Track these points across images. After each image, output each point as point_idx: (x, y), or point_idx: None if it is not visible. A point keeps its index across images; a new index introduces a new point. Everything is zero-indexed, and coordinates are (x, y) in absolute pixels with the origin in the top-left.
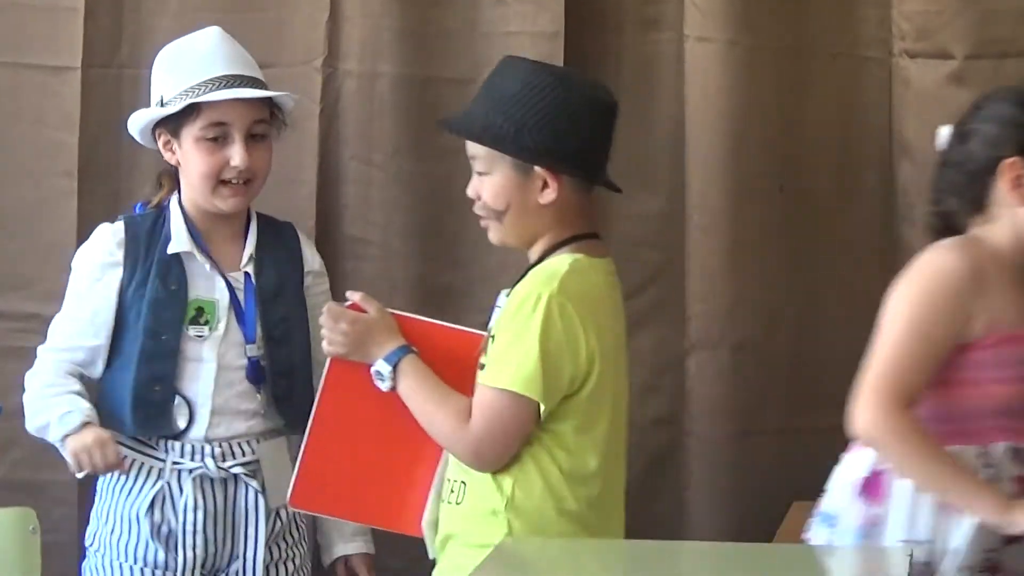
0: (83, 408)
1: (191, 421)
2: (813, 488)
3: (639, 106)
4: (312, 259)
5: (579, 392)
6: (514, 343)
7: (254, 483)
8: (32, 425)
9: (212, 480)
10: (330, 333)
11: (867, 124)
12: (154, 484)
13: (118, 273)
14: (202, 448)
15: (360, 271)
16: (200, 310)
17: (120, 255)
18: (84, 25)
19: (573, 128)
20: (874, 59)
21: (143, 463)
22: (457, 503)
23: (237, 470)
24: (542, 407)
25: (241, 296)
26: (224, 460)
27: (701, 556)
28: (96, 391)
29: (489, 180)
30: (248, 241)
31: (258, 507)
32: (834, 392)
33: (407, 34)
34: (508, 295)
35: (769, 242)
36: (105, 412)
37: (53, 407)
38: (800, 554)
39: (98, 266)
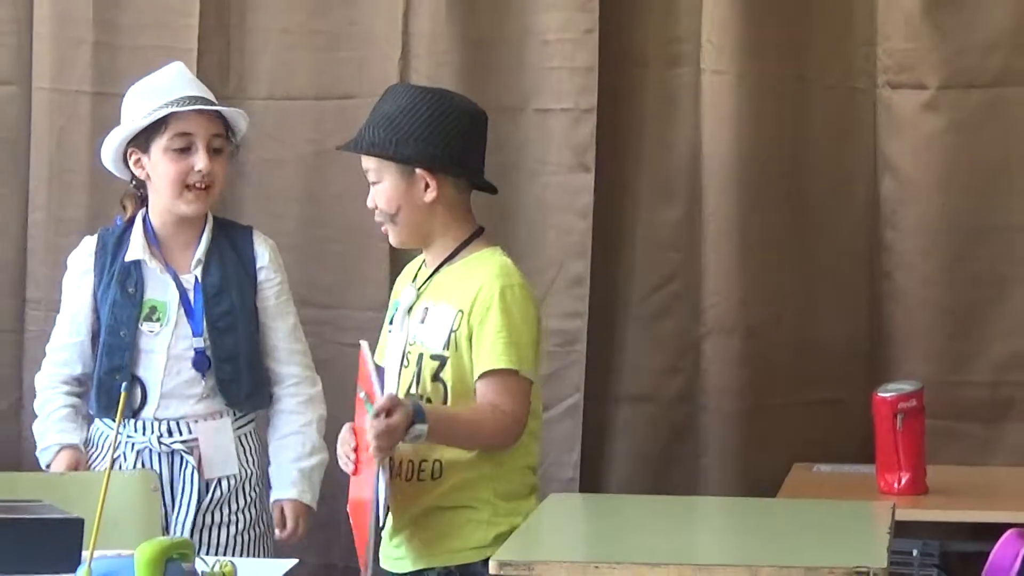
0: (56, 438)
1: (143, 403)
2: (810, 452)
3: (663, 130)
4: (263, 257)
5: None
6: (504, 331)
7: (191, 458)
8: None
9: (156, 454)
10: (377, 442)
11: (856, 144)
12: (110, 454)
13: (90, 279)
14: (151, 426)
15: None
16: (153, 309)
17: (91, 263)
18: (198, 63)
19: (446, 135)
20: (861, 89)
21: (107, 435)
22: (435, 479)
23: (177, 446)
24: (533, 383)
25: (191, 295)
26: (168, 437)
27: (715, 507)
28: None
29: (380, 187)
30: (199, 246)
31: (193, 479)
32: (828, 371)
33: (465, 70)
34: (418, 288)
35: (773, 244)
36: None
37: (40, 433)
38: (798, 507)
39: (76, 274)
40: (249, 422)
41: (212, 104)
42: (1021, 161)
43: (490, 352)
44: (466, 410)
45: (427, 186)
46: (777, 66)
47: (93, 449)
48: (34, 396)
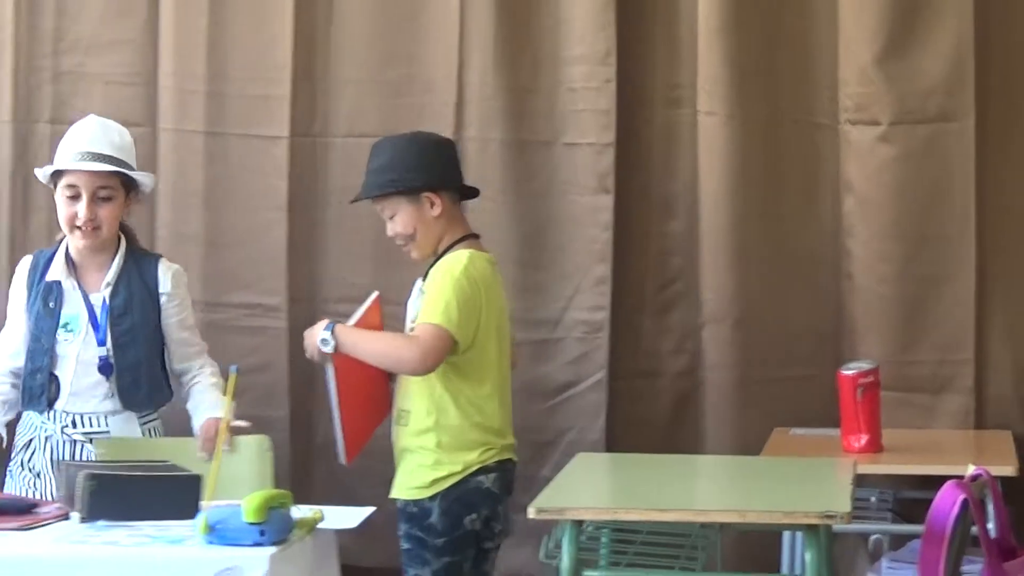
0: None
1: (56, 397)
2: (788, 418)
3: (667, 159)
4: (165, 284)
5: (473, 342)
6: (439, 299)
7: (90, 446)
8: None
9: (60, 441)
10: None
11: (822, 170)
12: (30, 438)
13: (24, 293)
14: (60, 416)
15: None
16: (67, 322)
17: (25, 280)
18: (291, 107)
19: (432, 161)
20: (826, 125)
21: (30, 423)
22: (405, 425)
23: (77, 437)
24: (459, 342)
25: (98, 312)
26: (72, 428)
27: (711, 464)
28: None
29: (397, 219)
30: (110, 270)
31: None
32: (802, 352)
33: (507, 113)
34: (423, 280)
35: (756, 251)
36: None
37: None
38: (778, 463)
39: (18, 286)
40: (155, 419)
41: (105, 160)
42: (955, 182)
43: (422, 312)
44: (382, 335)
45: (432, 204)
46: (757, 108)
47: (19, 435)
48: None
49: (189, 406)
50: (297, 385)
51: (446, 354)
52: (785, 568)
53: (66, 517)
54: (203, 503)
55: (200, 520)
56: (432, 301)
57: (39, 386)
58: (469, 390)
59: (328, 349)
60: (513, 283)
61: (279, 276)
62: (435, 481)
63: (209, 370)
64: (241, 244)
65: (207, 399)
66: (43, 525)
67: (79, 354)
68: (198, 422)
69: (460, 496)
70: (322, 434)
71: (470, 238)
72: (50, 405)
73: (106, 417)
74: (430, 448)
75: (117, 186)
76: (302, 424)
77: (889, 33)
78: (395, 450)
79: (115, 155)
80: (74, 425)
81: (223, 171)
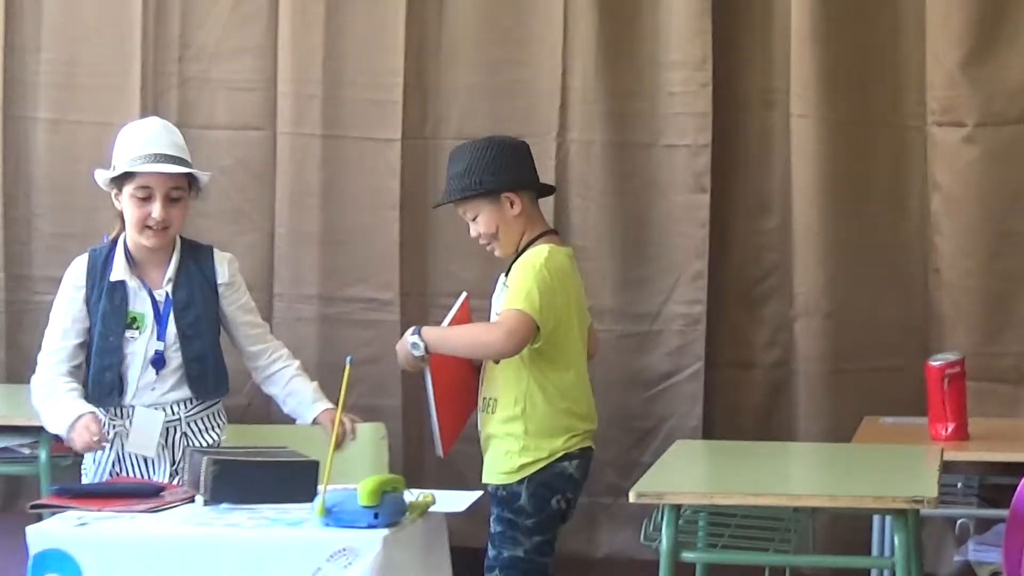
0: (78, 409)
1: (123, 392)
2: (877, 407)
3: (761, 159)
4: (223, 273)
5: (556, 329)
6: (521, 288)
7: None
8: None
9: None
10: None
11: (910, 170)
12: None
13: (83, 293)
14: (128, 411)
15: (583, 268)
16: (134, 319)
17: (84, 280)
18: (403, 111)
19: (509, 163)
20: (914, 127)
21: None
22: (492, 413)
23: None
24: (540, 327)
25: (161, 307)
26: (126, 418)
27: (804, 450)
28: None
29: (480, 219)
30: (170, 266)
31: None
32: (891, 344)
33: (609, 116)
34: (507, 276)
35: (847, 247)
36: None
37: (54, 411)
38: (868, 451)
39: (71, 288)
40: (216, 403)
41: (174, 162)
42: None
43: (506, 302)
44: (467, 326)
45: (512, 203)
46: (847, 110)
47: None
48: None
49: (284, 394)
50: (409, 376)
51: (530, 336)
52: (875, 551)
53: (191, 500)
54: (320, 487)
55: (317, 503)
56: (515, 290)
57: (108, 383)
58: (555, 377)
59: (419, 352)
60: (614, 278)
61: (392, 272)
62: (523, 467)
63: (286, 352)
64: (356, 242)
65: (308, 391)
66: (170, 508)
67: (146, 349)
68: (311, 414)
69: (546, 480)
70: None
71: (549, 234)
72: (118, 402)
73: (170, 407)
74: (518, 435)
75: (185, 186)
76: (414, 412)
77: (974, 39)
78: (481, 436)
79: (181, 156)
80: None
81: (339, 172)
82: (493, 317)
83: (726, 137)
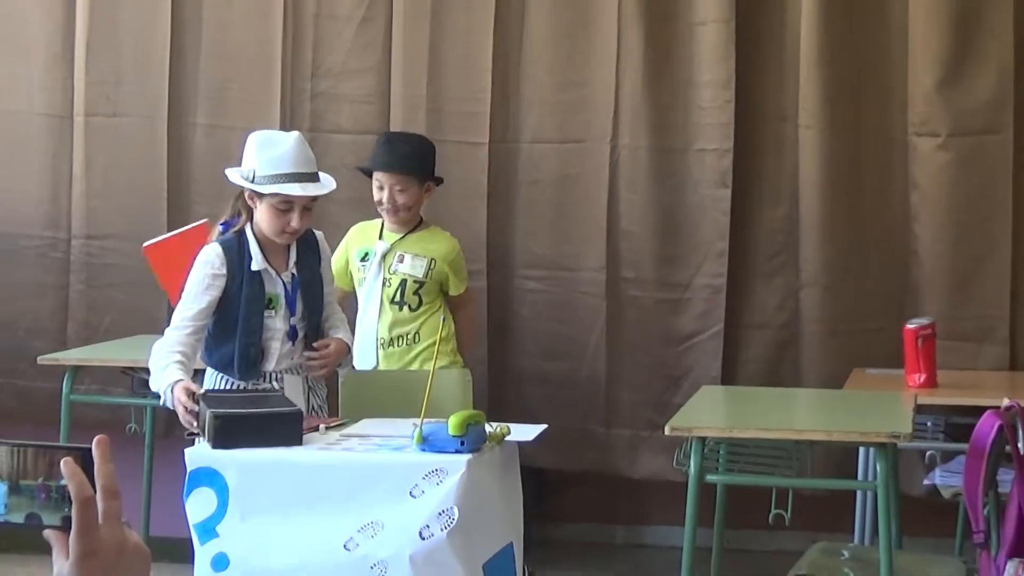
0: (176, 375)
1: (265, 361)
2: (865, 360)
3: (774, 161)
4: (325, 251)
5: None
6: (463, 270)
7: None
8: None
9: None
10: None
11: (894, 171)
12: None
13: (223, 280)
14: (269, 376)
15: (630, 248)
16: (271, 300)
17: (223, 269)
18: (490, 121)
19: (434, 160)
20: (898, 136)
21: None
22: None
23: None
24: None
25: (289, 289)
26: (279, 382)
27: (806, 395)
28: (209, 352)
29: (405, 192)
30: (291, 254)
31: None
32: (877, 310)
33: (651, 124)
34: (397, 243)
35: (843, 232)
36: (220, 365)
37: (156, 374)
38: (856, 396)
39: (208, 276)
40: None
41: (311, 179)
42: (996, 181)
43: (457, 284)
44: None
45: (427, 191)
46: (845, 122)
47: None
48: None
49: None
50: (492, 331)
51: None
52: (860, 476)
53: (315, 429)
54: (417, 420)
55: (415, 432)
56: (461, 273)
57: (253, 356)
58: None
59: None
60: (654, 255)
61: (481, 248)
62: None
63: (341, 315)
64: (452, 225)
65: (339, 333)
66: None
67: (280, 325)
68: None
69: None
70: (509, 369)
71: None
72: (261, 369)
73: (294, 371)
74: None
75: (316, 198)
76: (496, 360)
77: (946, 66)
78: None
79: (315, 170)
80: (279, 380)
81: (440, 168)
82: (371, 275)
83: (746, 143)
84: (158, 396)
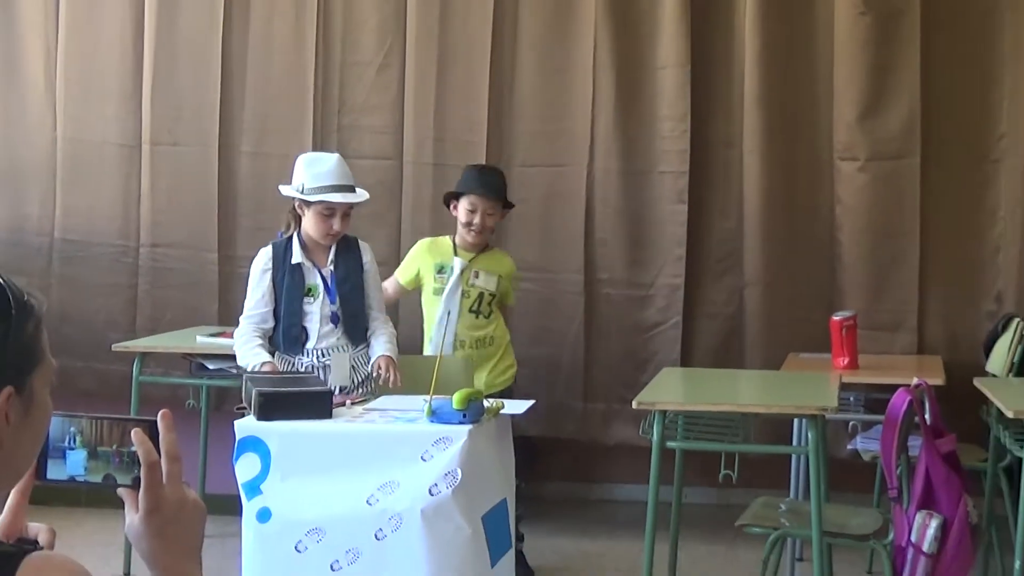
0: (264, 356)
1: (306, 341)
2: (797, 346)
3: (723, 182)
4: (367, 256)
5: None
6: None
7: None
8: (240, 360)
9: (315, 368)
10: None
11: (822, 189)
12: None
13: (270, 274)
14: (311, 353)
15: (605, 255)
16: (310, 289)
17: (269, 264)
18: (486, 148)
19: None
20: (825, 160)
21: (291, 362)
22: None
23: (328, 362)
24: None
25: (328, 281)
26: (320, 358)
27: (748, 375)
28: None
29: (492, 218)
30: (331, 253)
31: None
32: (807, 304)
33: (623, 152)
34: (468, 263)
35: (778, 239)
36: (272, 342)
37: (248, 356)
38: (791, 376)
39: (260, 271)
40: (365, 347)
41: (350, 190)
42: (906, 198)
43: (512, 295)
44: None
45: (501, 218)
46: (781, 149)
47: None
48: None
49: (372, 341)
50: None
51: None
52: (794, 442)
53: (343, 404)
54: (426, 396)
55: (426, 407)
56: (511, 289)
57: (295, 335)
58: None
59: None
60: (623, 259)
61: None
62: None
63: (383, 317)
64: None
65: (380, 342)
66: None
67: (319, 311)
68: (373, 356)
69: None
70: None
71: None
72: (302, 347)
73: (335, 349)
74: None
75: (354, 206)
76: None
77: (865, 102)
78: None
79: (353, 183)
80: (320, 356)
81: (444, 188)
82: (451, 289)
83: (699, 167)
84: (211, 377)
